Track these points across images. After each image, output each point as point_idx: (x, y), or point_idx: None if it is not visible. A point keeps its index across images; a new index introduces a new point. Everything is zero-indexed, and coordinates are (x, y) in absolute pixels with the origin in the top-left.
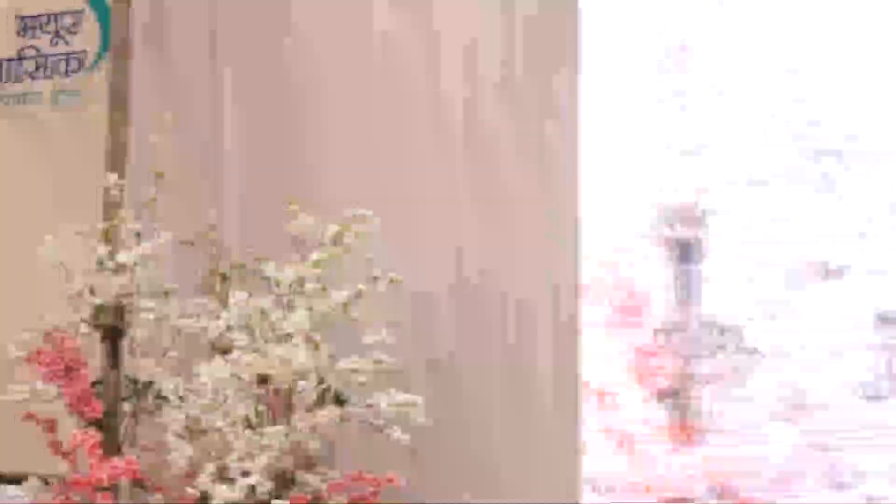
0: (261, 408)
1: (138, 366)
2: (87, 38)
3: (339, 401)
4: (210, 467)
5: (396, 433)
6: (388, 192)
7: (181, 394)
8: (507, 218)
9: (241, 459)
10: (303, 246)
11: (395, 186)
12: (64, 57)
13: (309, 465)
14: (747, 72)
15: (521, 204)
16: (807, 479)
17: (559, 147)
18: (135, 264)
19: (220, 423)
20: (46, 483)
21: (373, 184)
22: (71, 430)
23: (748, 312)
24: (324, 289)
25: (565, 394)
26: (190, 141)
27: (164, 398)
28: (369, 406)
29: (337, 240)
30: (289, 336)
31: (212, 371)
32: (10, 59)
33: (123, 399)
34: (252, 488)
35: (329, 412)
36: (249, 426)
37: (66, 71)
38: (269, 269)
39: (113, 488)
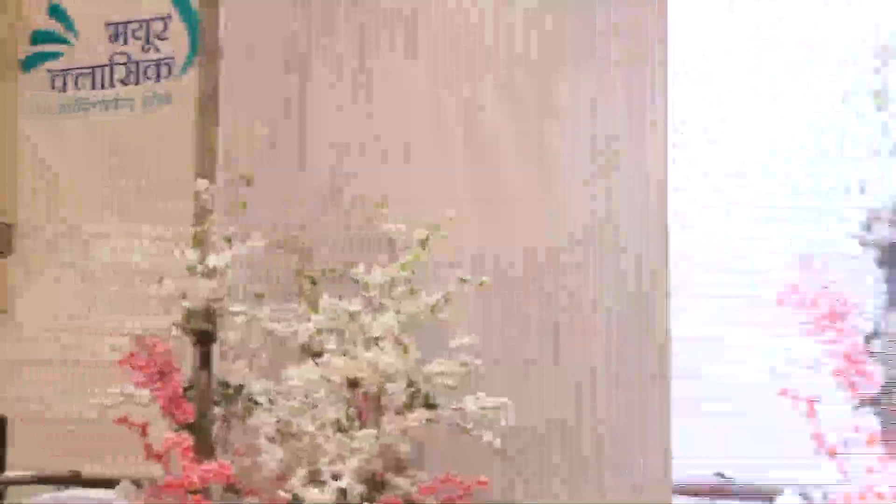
0: (351, 411)
1: (229, 369)
2: (175, 43)
3: (428, 404)
4: (301, 471)
5: (487, 436)
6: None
7: (272, 397)
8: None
9: (331, 462)
10: (391, 248)
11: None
12: (154, 63)
13: (399, 467)
14: None
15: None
16: None
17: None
18: (225, 268)
19: (310, 427)
20: (139, 486)
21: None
22: (163, 434)
23: None
24: (412, 291)
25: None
26: (278, 145)
27: (255, 401)
28: (458, 409)
29: (424, 242)
30: (378, 339)
31: (302, 374)
32: (101, 66)
33: (215, 403)
34: (343, 491)
35: (418, 415)
36: (340, 429)
37: (156, 77)
38: (358, 272)
39: (205, 491)
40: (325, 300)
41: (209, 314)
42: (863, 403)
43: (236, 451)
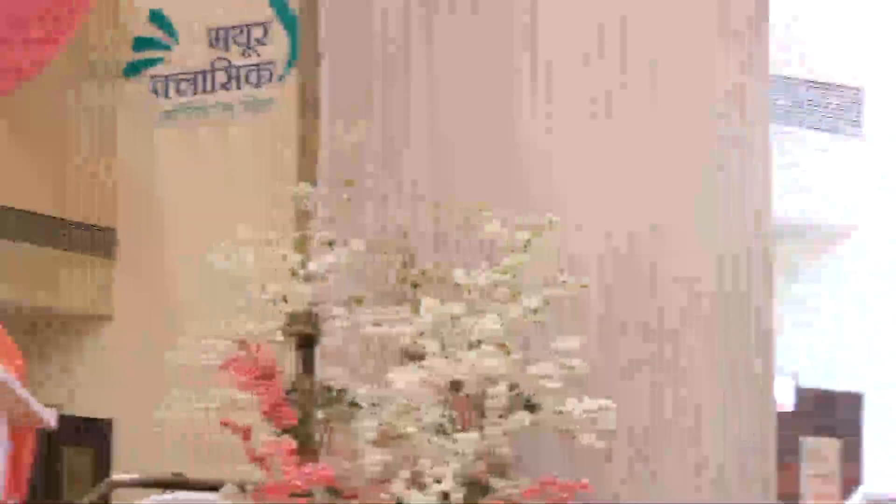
0: (453, 414)
1: (331, 373)
2: (276, 48)
3: (530, 406)
4: (403, 474)
5: (589, 439)
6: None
7: (374, 401)
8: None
9: (433, 466)
10: (492, 251)
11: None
12: (254, 68)
13: (501, 470)
14: None
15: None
16: None
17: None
18: (327, 272)
19: (412, 430)
20: (242, 489)
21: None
22: (265, 438)
23: None
24: (514, 294)
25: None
26: (379, 148)
27: (357, 405)
28: (560, 412)
29: (527, 245)
30: (480, 342)
31: (403, 378)
32: (203, 72)
33: (317, 406)
34: (445, 495)
35: (520, 418)
36: (441, 432)
37: (257, 81)
38: (460, 275)
39: (307, 494)
40: (426, 303)
41: (311, 318)
42: None
43: (338, 454)
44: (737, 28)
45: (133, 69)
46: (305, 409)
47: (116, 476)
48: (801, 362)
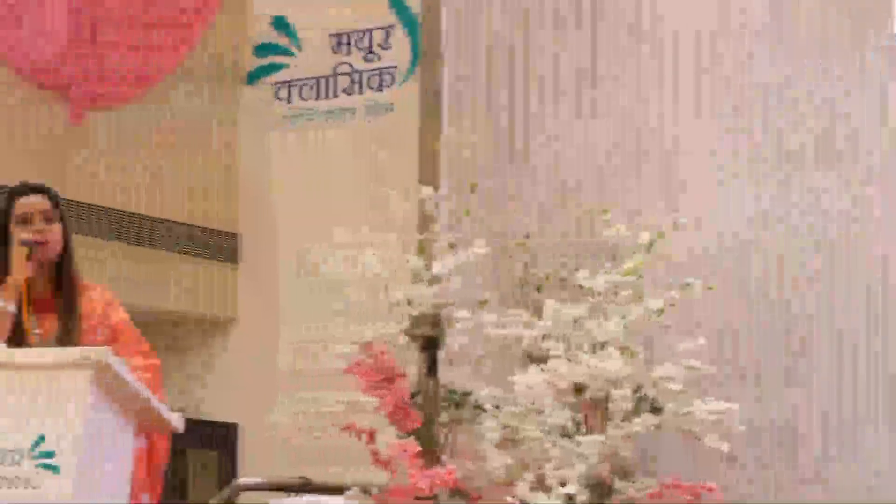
0: (577, 416)
1: (454, 375)
2: (398, 52)
3: (655, 409)
4: (527, 476)
5: (715, 441)
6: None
7: (497, 403)
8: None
9: (557, 468)
10: (615, 254)
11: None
12: (377, 72)
13: (625, 473)
14: None
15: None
16: None
17: None
18: (450, 275)
19: (536, 433)
20: (367, 492)
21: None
22: (389, 441)
23: None
24: (637, 296)
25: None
26: (501, 151)
27: (481, 407)
28: (686, 414)
29: (650, 246)
30: (603, 344)
31: (527, 380)
32: (324, 77)
33: (441, 409)
34: (569, 497)
35: (645, 420)
36: (565, 435)
37: (379, 86)
38: (582, 277)
39: (432, 497)
40: (549, 306)
41: (435, 321)
42: None
43: (462, 457)
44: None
45: (256, 75)
46: (429, 412)
47: (243, 479)
48: None
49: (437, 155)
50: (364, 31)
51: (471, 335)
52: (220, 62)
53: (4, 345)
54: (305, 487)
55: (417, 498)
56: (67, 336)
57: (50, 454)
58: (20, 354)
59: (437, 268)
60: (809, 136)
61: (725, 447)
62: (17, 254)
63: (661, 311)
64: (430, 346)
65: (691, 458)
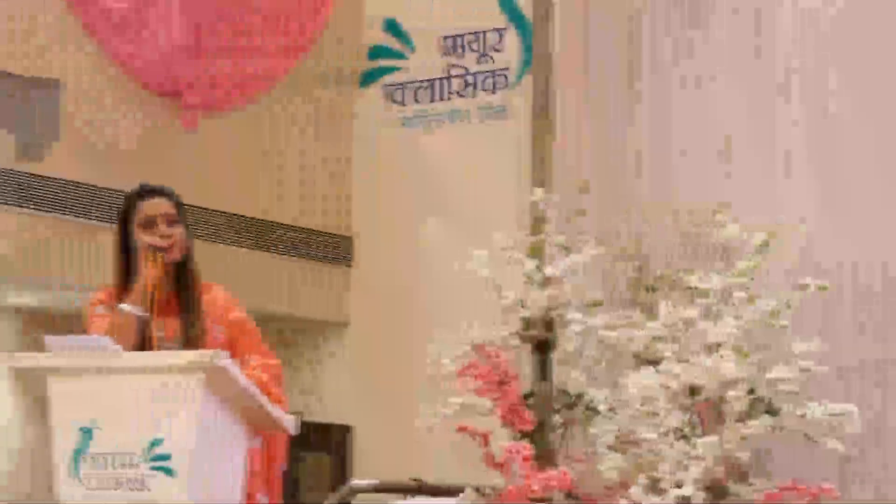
0: (692, 418)
1: (567, 377)
2: (510, 55)
3: (770, 410)
4: (642, 478)
5: (832, 443)
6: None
7: (611, 405)
8: None
9: (673, 471)
10: (727, 255)
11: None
12: (489, 74)
13: (741, 475)
14: None
15: None
16: None
17: None
18: (562, 277)
19: (650, 435)
20: (481, 494)
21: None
22: (502, 443)
23: None
24: (751, 298)
25: None
26: (612, 153)
27: (594, 409)
28: (801, 415)
29: (763, 247)
30: (717, 346)
31: (640, 382)
32: (437, 79)
33: (554, 411)
34: (684, 499)
35: (759, 422)
36: (680, 437)
37: (492, 88)
38: (695, 279)
39: (546, 499)
40: (662, 308)
41: (547, 323)
42: None
43: (576, 459)
44: None
45: (369, 78)
46: (543, 414)
47: (357, 481)
48: None
49: (548, 157)
50: (477, 33)
51: (583, 337)
52: (333, 65)
53: (119, 348)
54: (419, 489)
55: (531, 500)
56: (190, 338)
57: (165, 457)
58: (134, 358)
59: (549, 270)
60: None
61: (843, 449)
62: (144, 258)
63: (777, 313)
64: (543, 347)
65: (806, 458)
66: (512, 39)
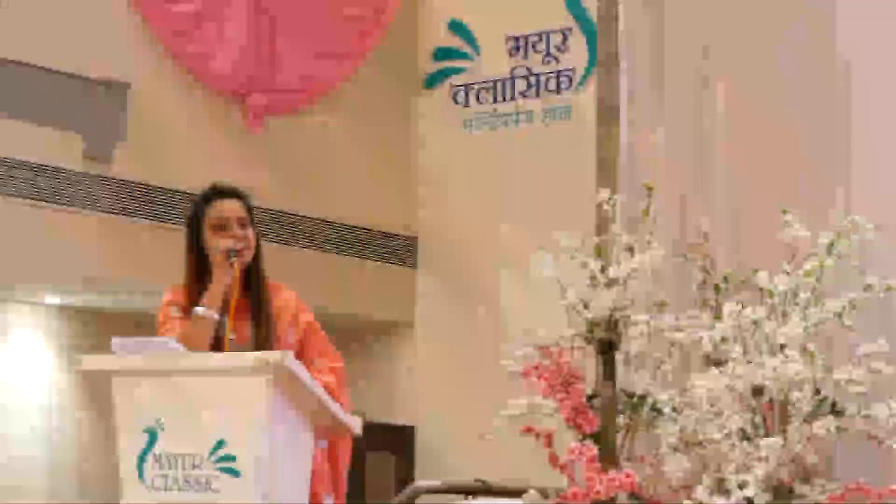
0: (756, 419)
1: (632, 379)
2: (575, 55)
3: (836, 411)
4: (707, 479)
5: None
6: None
7: (676, 406)
8: None
9: (737, 471)
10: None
11: None
12: (554, 74)
13: (806, 476)
14: None
15: None
16: None
17: None
18: (627, 278)
19: (715, 435)
20: (545, 496)
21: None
22: (566, 444)
23: None
24: (818, 299)
25: None
26: (679, 153)
27: (659, 411)
28: (866, 416)
29: (830, 248)
30: (783, 346)
31: (706, 383)
32: (503, 79)
33: (619, 412)
34: (749, 500)
35: (825, 423)
36: (745, 438)
37: (557, 88)
38: (762, 279)
39: (610, 501)
40: (728, 308)
41: (612, 324)
42: None
43: (640, 460)
44: None
45: (434, 79)
46: (607, 415)
47: (421, 482)
48: None
49: (613, 158)
50: (541, 34)
51: (649, 338)
52: (398, 66)
53: (181, 347)
54: (483, 490)
55: (595, 502)
56: (261, 340)
57: (230, 458)
58: (201, 359)
59: (614, 271)
60: None
61: None
62: (219, 261)
63: (842, 314)
64: (608, 348)
65: (873, 460)
66: (577, 39)
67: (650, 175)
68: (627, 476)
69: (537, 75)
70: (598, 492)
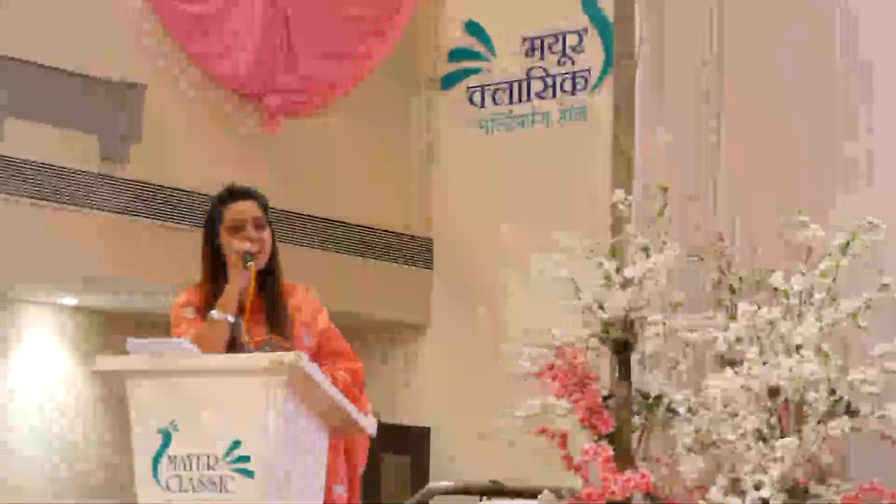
0: (772, 419)
1: (647, 379)
2: (591, 56)
3: (851, 412)
4: (722, 480)
5: None
6: None
7: (691, 407)
8: None
9: (753, 472)
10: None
11: None
12: (570, 75)
13: (821, 476)
14: None
15: None
16: None
17: None
18: (643, 278)
19: (730, 436)
20: (560, 497)
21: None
22: (580, 445)
23: None
24: (833, 299)
25: None
26: (693, 155)
27: (674, 411)
28: (881, 417)
29: (845, 249)
30: (798, 347)
31: (721, 383)
32: (518, 81)
33: (634, 412)
34: (765, 501)
35: (840, 423)
36: (761, 438)
37: (572, 90)
38: (777, 279)
39: (626, 501)
40: (742, 308)
41: (627, 324)
42: None
43: (655, 461)
44: None
45: (450, 80)
46: (622, 416)
47: (435, 483)
48: None
49: (629, 158)
50: (557, 35)
51: (664, 338)
52: (414, 68)
53: (195, 348)
54: (497, 491)
55: (610, 502)
56: (276, 341)
57: (245, 458)
58: (216, 360)
59: (629, 271)
60: None
61: None
62: (234, 263)
63: (857, 314)
64: (623, 349)
65: (887, 460)
66: (593, 40)
67: (666, 175)
68: (643, 476)
69: (553, 76)
70: (613, 492)
